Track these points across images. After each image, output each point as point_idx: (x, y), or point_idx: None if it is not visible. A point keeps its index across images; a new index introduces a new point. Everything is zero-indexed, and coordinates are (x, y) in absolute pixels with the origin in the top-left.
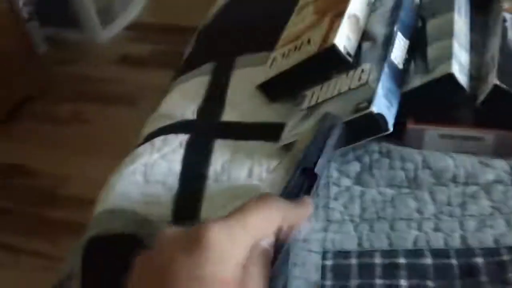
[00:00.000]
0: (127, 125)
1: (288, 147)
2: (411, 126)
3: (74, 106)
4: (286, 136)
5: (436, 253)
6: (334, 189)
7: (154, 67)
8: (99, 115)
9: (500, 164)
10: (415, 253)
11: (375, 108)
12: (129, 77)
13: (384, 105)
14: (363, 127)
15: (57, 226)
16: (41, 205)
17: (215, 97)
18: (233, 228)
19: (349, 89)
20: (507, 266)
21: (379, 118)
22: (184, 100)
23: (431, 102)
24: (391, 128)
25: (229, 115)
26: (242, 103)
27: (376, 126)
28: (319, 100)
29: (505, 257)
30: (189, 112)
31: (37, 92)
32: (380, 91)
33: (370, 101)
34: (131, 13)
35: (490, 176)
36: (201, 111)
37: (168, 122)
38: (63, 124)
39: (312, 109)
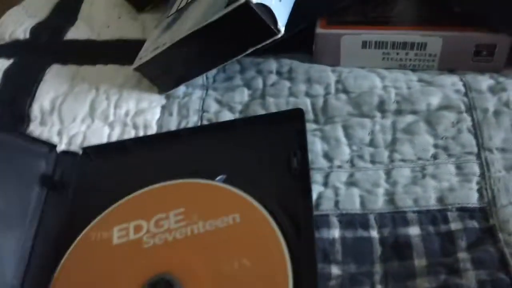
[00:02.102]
0: None
1: (143, 70)
2: (321, 30)
3: None
4: (143, 54)
5: (347, 220)
6: None
7: None
8: None
9: (450, 80)
10: (316, 219)
11: None
12: None
13: None
14: (243, 28)
15: None
16: None
17: (65, 9)
18: None
19: None
20: (456, 240)
21: (262, 12)
22: (23, 15)
23: None
24: (282, 29)
25: (78, 31)
26: (100, 14)
27: (259, 25)
28: None
29: (454, 226)
30: (22, 30)
31: None
32: None
33: None
34: None
35: (434, 99)
36: (39, 28)
37: None
38: None
39: (180, 12)
